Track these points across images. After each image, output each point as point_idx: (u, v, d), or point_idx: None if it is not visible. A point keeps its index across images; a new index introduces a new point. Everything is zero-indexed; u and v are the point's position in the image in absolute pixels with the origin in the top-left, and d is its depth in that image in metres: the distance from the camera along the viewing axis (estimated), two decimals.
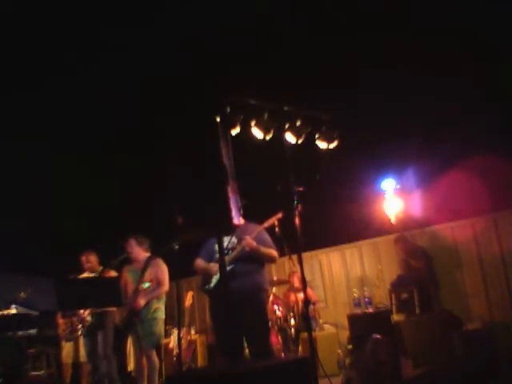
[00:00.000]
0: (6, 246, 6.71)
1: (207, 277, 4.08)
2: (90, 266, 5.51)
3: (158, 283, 4.98)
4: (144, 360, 4.87)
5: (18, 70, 4.98)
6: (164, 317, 5.06)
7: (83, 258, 5.54)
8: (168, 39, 4.90)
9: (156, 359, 4.89)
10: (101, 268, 5.45)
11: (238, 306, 3.65)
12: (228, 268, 3.87)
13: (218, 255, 3.96)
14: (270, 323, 4.57)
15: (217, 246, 3.99)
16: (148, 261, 5.05)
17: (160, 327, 4.94)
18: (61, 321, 5.75)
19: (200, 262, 4.20)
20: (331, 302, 7.22)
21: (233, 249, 4.00)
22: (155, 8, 4.64)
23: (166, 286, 5.00)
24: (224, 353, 4.01)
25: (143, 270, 4.99)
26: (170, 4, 4.57)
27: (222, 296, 3.71)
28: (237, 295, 3.66)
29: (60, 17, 4.53)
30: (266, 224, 4.19)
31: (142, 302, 4.84)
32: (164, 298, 5.11)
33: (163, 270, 5.03)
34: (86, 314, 5.26)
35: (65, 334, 5.52)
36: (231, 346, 3.75)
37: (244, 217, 4.14)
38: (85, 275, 5.47)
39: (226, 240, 4.01)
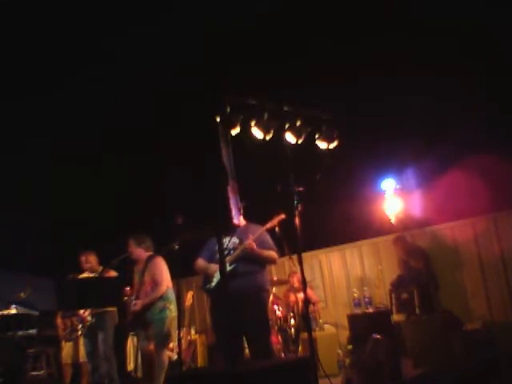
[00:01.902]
0: (6, 246, 6.71)
1: (208, 276, 4.08)
2: (90, 266, 5.50)
3: (155, 284, 4.94)
4: (153, 358, 4.86)
5: (20, 71, 4.99)
6: (174, 314, 4.89)
7: (82, 258, 5.53)
8: (167, 39, 4.90)
9: (165, 359, 4.85)
10: (100, 268, 5.44)
11: (238, 305, 3.65)
12: (229, 268, 3.87)
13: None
14: (270, 323, 4.56)
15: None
16: (147, 261, 5.02)
17: (168, 326, 4.83)
18: (59, 321, 5.75)
19: (200, 262, 4.20)
20: (331, 302, 7.23)
21: (234, 249, 4.00)
22: (155, 8, 4.64)
23: (163, 286, 4.87)
24: (224, 353, 4.01)
25: (143, 271, 4.98)
26: (170, 5, 4.57)
27: (223, 295, 3.71)
28: (238, 295, 3.66)
29: (60, 17, 4.53)
30: (269, 225, 4.19)
31: (137, 306, 4.82)
32: (171, 295, 4.95)
33: (160, 270, 4.92)
34: (86, 313, 5.26)
35: (65, 334, 5.53)
36: (231, 345, 3.75)
37: (245, 217, 4.15)
38: (84, 275, 5.47)
39: (226, 240, 4.01)
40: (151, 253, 5.10)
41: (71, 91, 5.36)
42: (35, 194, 6.61)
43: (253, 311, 3.86)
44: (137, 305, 4.83)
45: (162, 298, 4.91)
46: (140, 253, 5.09)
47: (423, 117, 5.62)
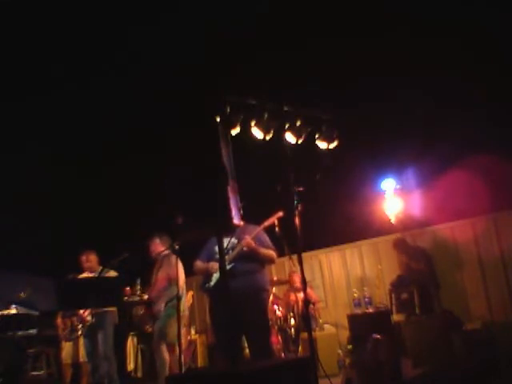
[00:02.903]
0: (6, 246, 6.71)
1: (207, 276, 4.07)
2: (90, 265, 5.49)
3: (171, 281, 4.93)
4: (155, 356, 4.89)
5: (21, 75, 4.99)
6: (182, 314, 4.78)
7: (83, 258, 5.52)
8: (167, 40, 4.90)
9: (164, 356, 4.85)
10: (100, 268, 5.44)
11: (238, 305, 3.65)
12: (228, 267, 3.86)
13: (218, 255, 3.95)
14: (270, 323, 4.56)
15: (217, 247, 3.98)
16: (163, 259, 5.04)
17: (172, 324, 4.80)
18: (60, 321, 5.74)
19: (199, 264, 4.19)
20: (331, 302, 7.22)
21: (232, 249, 4.00)
22: (156, 9, 4.64)
23: (180, 283, 4.78)
24: (224, 353, 4.01)
25: (158, 269, 5.02)
26: (170, 5, 4.57)
27: (222, 295, 3.70)
28: (237, 295, 3.65)
29: (57, 23, 4.53)
30: (267, 223, 4.18)
31: (160, 305, 4.87)
32: (182, 294, 4.93)
33: (175, 267, 4.86)
34: (86, 313, 5.26)
35: (64, 334, 5.53)
36: (231, 345, 3.74)
37: (243, 218, 4.14)
38: (84, 275, 5.46)
39: (225, 241, 4.01)
40: (168, 252, 5.11)
41: (71, 92, 5.36)
42: (35, 194, 6.61)
43: (252, 311, 3.85)
44: (158, 304, 4.90)
45: (171, 296, 4.90)
46: (161, 252, 5.13)
47: (423, 117, 5.62)
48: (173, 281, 4.90)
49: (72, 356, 5.98)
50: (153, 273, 5.24)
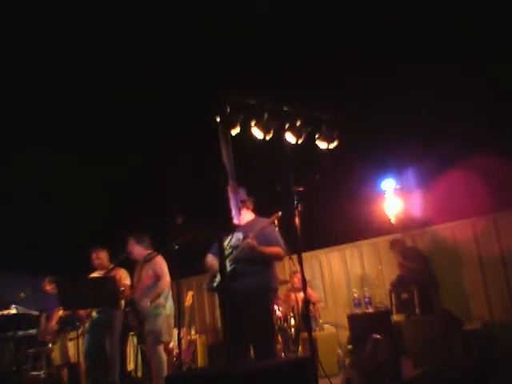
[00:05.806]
0: (6, 246, 6.71)
1: (212, 276, 4.05)
2: (100, 262, 5.44)
3: (158, 279, 4.92)
4: (152, 357, 4.86)
5: (22, 72, 4.99)
6: (169, 313, 4.93)
7: (93, 255, 5.49)
8: (168, 39, 4.90)
9: (162, 355, 4.83)
10: (111, 266, 5.41)
11: (242, 305, 3.62)
12: (229, 268, 3.84)
13: (228, 251, 3.90)
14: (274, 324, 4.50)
15: (227, 242, 3.94)
16: (145, 258, 5.01)
17: (161, 323, 4.84)
18: (43, 322, 5.73)
19: (210, 259, 4.15)
20: (331, 302, 7.22)
21: (237, 247, 3.94)
22: (156, 9, 4.64)
23: (166, 279, 4.88)
24: (231, 351, 3.96)
25: (141, 268, 4.99)
26: (170, 5, 4.57)
27: (227, 295, 3.68)
28: (240, 295, 3.63)
29: (58, 17, 4.53)
30: (265, 223, 4.16)
31: (146, 301, 4.82)
32: (167, 293, 4.97)
33: (160, 265, 4.94)
34: (89, 311, 5.25)
35: (48, 338, 5.51)
36: (238, 344, 3.71)
37: (254, 211, 4.14)
38: (95, 274, 5.44)
39: (229, 237, 3.98)
40: (150, 251, 5.10)
41: (73, 91, 5.36)
42: (35, 195, 6.61)
43: (255, 312, 3.77)
44: (143, 301, 4.83)
45: (159, 294, 4.90)
46: (140, 251, 5.11)
47: (423, 117, 5.63)
48: (160, 278, 4.90)
49: (61, 357, 5.94)
50: (134, 274, 5.19)
